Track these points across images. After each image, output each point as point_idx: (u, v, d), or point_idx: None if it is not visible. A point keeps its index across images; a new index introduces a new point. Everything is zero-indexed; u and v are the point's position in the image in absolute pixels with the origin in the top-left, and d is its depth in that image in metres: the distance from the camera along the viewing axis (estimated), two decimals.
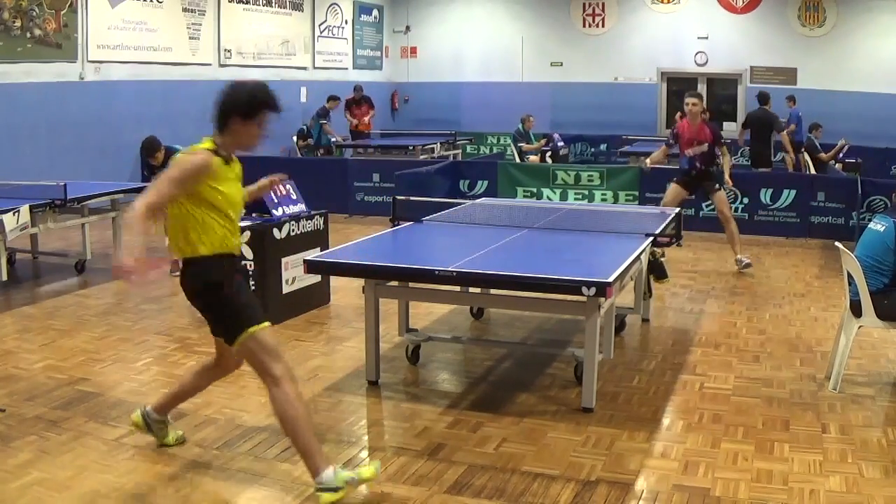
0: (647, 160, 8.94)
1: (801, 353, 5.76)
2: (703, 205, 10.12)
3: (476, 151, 17.01)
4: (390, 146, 15.12)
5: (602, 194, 10.69)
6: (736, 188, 9.94)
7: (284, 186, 6.78)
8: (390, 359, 5.49)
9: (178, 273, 3.91)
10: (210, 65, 14.02)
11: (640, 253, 5.14)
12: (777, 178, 10.68)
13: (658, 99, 17.76)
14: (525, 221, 6.09)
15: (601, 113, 17.45)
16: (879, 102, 15.73)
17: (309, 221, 6.73)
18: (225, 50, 14.32)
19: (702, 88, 17.49)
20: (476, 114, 18.03)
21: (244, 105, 3.57)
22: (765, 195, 10.05)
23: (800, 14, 16.59)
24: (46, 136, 10.91)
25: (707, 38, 17.10)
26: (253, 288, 6.23)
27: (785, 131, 12.99)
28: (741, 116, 17.07)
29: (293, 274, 6.45)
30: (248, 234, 6.24)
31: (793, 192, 9.95)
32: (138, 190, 9.08)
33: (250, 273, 6.24)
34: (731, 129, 16.55)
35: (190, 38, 13.54)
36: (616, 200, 10.53)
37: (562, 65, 18.16)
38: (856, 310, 4.95)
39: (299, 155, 14.70)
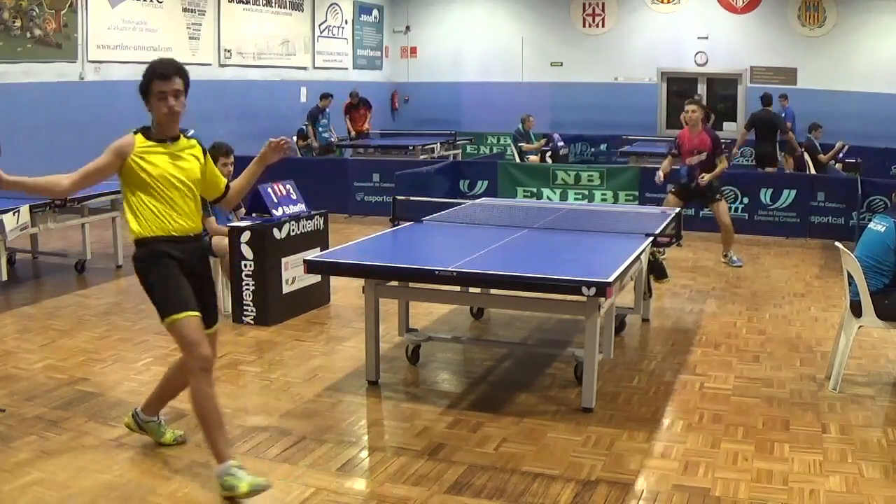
0: (660, 171, 8.82)
1: (801, 353, 5.76)
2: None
3: (476, 151, 17.02)
4: (390, 146, 15.12)
5: (602, 194, 10.69)
6: (735, 188, 9.95)
7: (284, 186, 6.79)
8: (390, 359, 5.49)
9: None
10: (210, 65, 14.03)
11: (640, 253, 5.14)
12: (777, 178, 10.68)
13: (658, 99, 17.77)
14: (525, 221, 6.09)
15: (601, 113, 17.46)
16: (879, 102, 15.73)
17: (309, 221, 6.73)
18: (225, 50, 14.32)
19: (702, 88, 17.53)
20: (476, 114, 18.04)
21: (142, 84, 3.73)
22: (765, 195, 10.05)
23: (800, 14, 16.59)
24: (46, 136, 10.91)
25: (707, 38, 17.11)
26: (253, 288, 6.25)
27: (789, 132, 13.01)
28: (741, 116, 17.10)
29: (293, 274, 6.45)
30: (248, 234, 6.24)
31: (793, 192, 9.95)
32: None
33: (250, 273, 6.24)
34: (731, 129, 16.57)
35: (190, 38, 13.55)
36: (616, 200, 10.53)
37: (562, 65, 18.17)
38: (856, 310, 4.95)
39: (299, 155, 14.70)
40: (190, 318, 3.64)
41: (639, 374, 5.32)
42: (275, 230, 6.35)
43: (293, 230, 6.53)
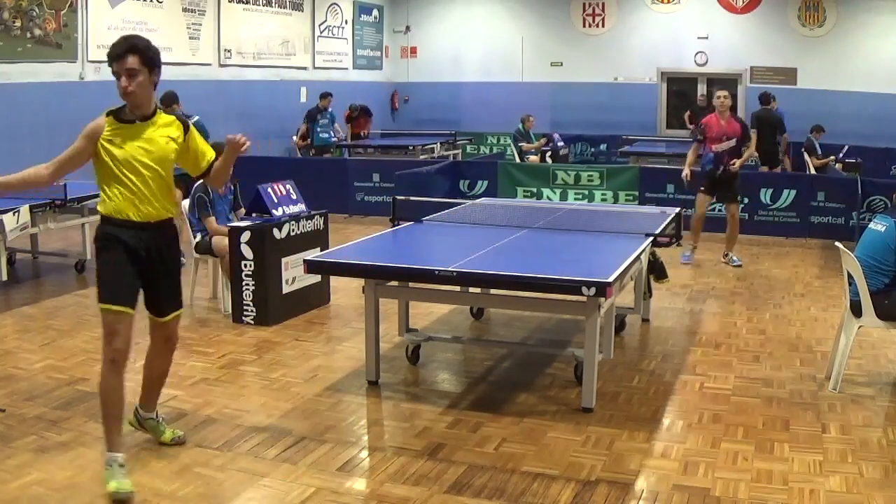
0: (685, 170, 8.58)
1: (801, 353, 5.76)
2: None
3: (476, 151, 17.02)
4: (390, 146, 15.12)
5: (602, 194, 10.69)
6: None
7: (284, 186, 6.79)
8: (390, 359, 5.49)
9: None
10: (210, 65, 14.01)
11: (640, 253, 5.15)
12: (777, 178, 10.68)
13: (658, 99, 17.75)
14: (525, 221, 6.09)
15: (601, 113, 17.45)
16: (879, 102, 15.72)
17: (309, 221, 6.73)
18: (225, 50, 14.31)
19: (702, 88, 17.51)
20: (476, 114, 18.02)
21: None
22: (765, 195, 10.05)
23: (800, 14, 16.58)
24: (46, 136, 10.87)
25: (707, 38, 17.09)
26: (253, 288, 6.25)
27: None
28: (741, 116, 17.06)
29: (293, 274, 6.45)
30: (248, 234, 6.24)
31: (793, 192, 9.95)
32: None
33: (250, 273, 6.24)
34: None
35: (190, 38, 13.54)
36: (616, 200, 10.53)
37: (562, 65, 18.15)
38: (856, 310, 4.95)
39: (299, 155, 14.70)
40: (119, 312, 3.68)
41: (639, 374, 5.32)
42: (275, 230, 6.35)
43: (293, 230, 6.53)
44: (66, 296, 7.19)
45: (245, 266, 6.26)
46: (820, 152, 13.28)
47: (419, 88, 19.26)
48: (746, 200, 10.06)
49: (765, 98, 12.64)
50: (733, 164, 8.29)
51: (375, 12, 18.92)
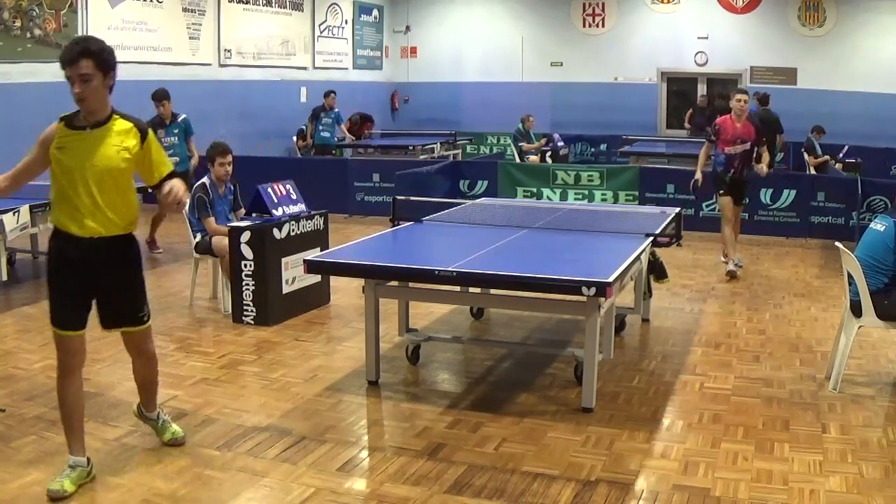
0: (697, 173, 8.25)
1: (801, 353, 5.76)
2: (703, 204, 10.12)
3: (476, 151, 17.02)
4: (390, 146, 15.12)
5: (602, 194, 10.69)
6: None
7: (284, 186, 6.79)
8: (390, 359, 5.49)
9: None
10: (210, 65, 14.01)
11: (640, 253, 5.14)
12: (777, 178, 10.67)
13: (658, 99, 17.75)
14: (525, 221, 6.09)
15: (601, 113, 17.44)
16: (879, 102, 15.72)
17: (309, 221, 6.73)
18: (225, 50, 14.31)
19: (702, 88, 17.52)
20: (476, 114, 18.02)
21: None
22: (765, 195, 10.05)
23: (800, 14, 16.58)
24: None
25: (707, 38, 17.09)
26: (253, 288, 6.24)
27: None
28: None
29: (293, 274, 6.45)
30: (248, 234, 6.24)
31: (793, 192, 9.95)
32: (138, 190, 9.14)
33: (250, 273, 6.24)
34: None
35: (190, 38, 13.54)
36: (616, 200, 10.53)
37: (562, 65, 18.15)
38: (856, 310, 4.95)
39: (299, 155, 14.70)
40: (66, 336, 3.63)
41: (639, 374, 5.32)
42: (275, 230, 6.35)
43: (293, 230, 6.53)
44: None
45: (245, 266, 6.26)
46: (820, 152, 13.29)
47: (419, 88, 19.25)
48: (746, 200, 10.05)
49: (764, 98, 12.65)
50: (760, 169, 8.15)
51: (375, 12, 18.92)
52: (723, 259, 8.57)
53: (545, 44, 18.20)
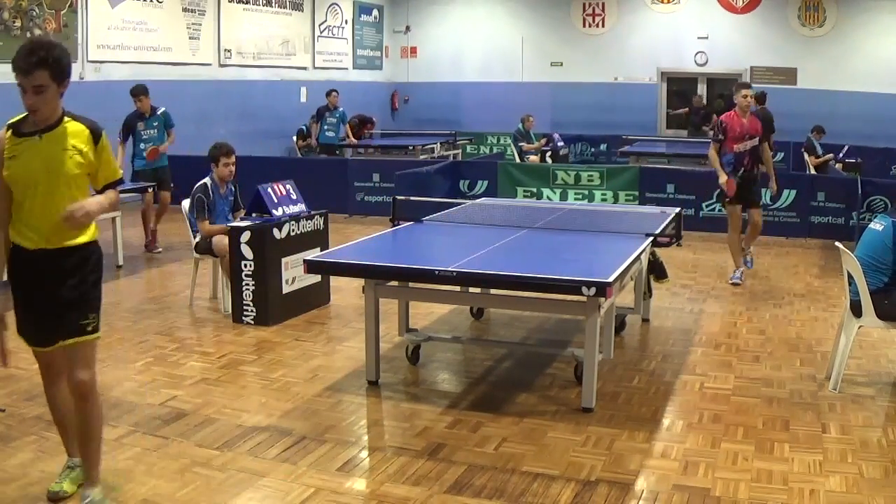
0: (722, 176, 7.73)
1: (801, 353, 5.76)
2: (703, 204, 10.12)
3: (476, 151, 17.02)
4: (390, 146, 15.13)
5: (602, 194, 10.68)
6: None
7: (284, 186, 6.79)
8: (390, 359, 5.49)
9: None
10: (210, 65, 14.02)
11: (640, 253, 5.14)
12: (777, 178, 10.66)
13: (658, 99, 17.75)
14: (525, 221, 6.09)
15: (601, 113, 17.45)
16: (879, 102, 15.73)
17: (309, 221, 6.73)
18: (225, 50, 14.32)
19: (702, 88, 17.53)
20: (476, 114, 18.03)
21: None
22: (765, 195, 9.98)
23: (800, 14, 16.59)
24: None
25: (707, 38, 17.10)
26: (253, 288, 6.25)
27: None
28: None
29: (293, 274, 6.45)
30: (248, 234, 6.24)
31: (793, 192, 9.94)
32: (138, 190, 9.16)
33: (250, 273, 6.24)
34: None
35: (190, 38, 13.54)
36: (616, 200, 10.53)
37: (562, 65, 18.15)
38: (856, 310, 4.95)
39: (299, 155, 14.70)
40: (36, 351, 3.57)
41: (639, 374, 5.32)
42: (275, 230, 6.35)
43: (293, 230, 6.53)
44: None
45: (245, 266, 6.26)
46: (820, 152, 13.28)
47: (419, 88, 19.26)
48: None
49: (761, 97, 12.64)
50: (771, 187, 8.13)
51: (375, 12, 18.93)
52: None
53: (545, 44, 18.20)
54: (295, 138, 14.93)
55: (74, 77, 12.22)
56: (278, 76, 15.72)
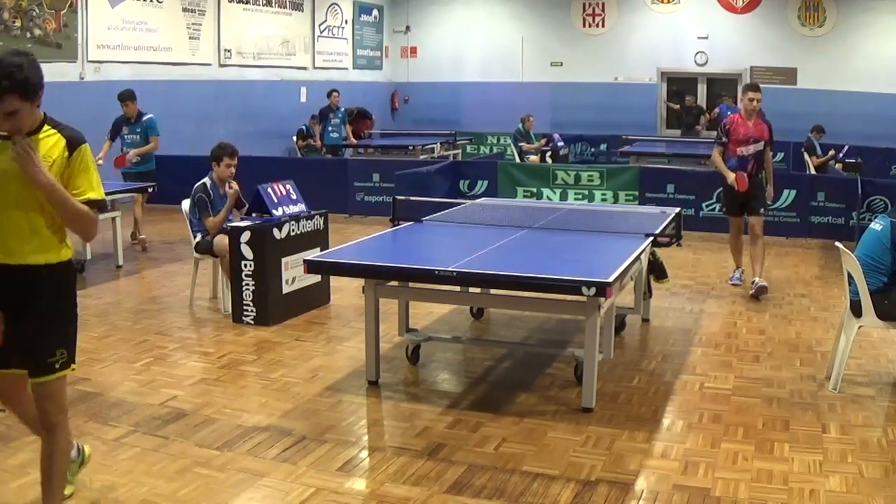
0: (728, 175, 7.44)
1: (801, 353, 5.76)
2: (703, 204, 10.12)
3: (476, 151, 17.02)
4: (390, 146, 15.13)
5: (602, 194, 10.68)
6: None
7: (284, 186, 6.79)
8: (390, 359, 5.49)
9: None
10: (210, 65, 14.02)
11: (640, 253, 5.14)
12: (777, 179, 10.65)
13: (658, 99, 17.76)
14: (525, 221, 6.09)
15: (601, 113, 17.45)
16: (879, 102, 15.73)
17: (309, 221, 6.73)
18: (225, 50, 14.32)
19: (702, 88, 17.53)
20: (476, 114, 18.03)
21: None
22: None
23: (800, 14, 16.59)
24: None
25: (707, 38, 17.10)
26: (253, 288, 6.25)
27: None
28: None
29: (293, 274, 6.45)
30: (248, 233, 6.24)
31: (793, 192, 9.94)
32: (137, 190, 9.16)
33: (250, 273, 6.24)
34: None
35: (190, 38, 13.54)
36: (616, 200, 10.53)
37: (562, 65, 18.16)
38: (856, 310, 4.95)
39: (299, 155, 14.70)
40: None
41: (639, 374, 5.32)
42: (275, 230, 6.35)
43: (293, 230, 6.53)
44: None
45: (245, 266, 6.26)
46: (820, 152, 13.28)
47: (419, 88, 19.26)
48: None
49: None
50: (768, 192, 7.62)
51: (375, 12, 18.93)
52: (750, 290, 7.59)
53: (545, 44, 18.20)
54: (295, 138, 14.92)
55: (74, 77, 12.31)
56: (278, 76, 15.72)
